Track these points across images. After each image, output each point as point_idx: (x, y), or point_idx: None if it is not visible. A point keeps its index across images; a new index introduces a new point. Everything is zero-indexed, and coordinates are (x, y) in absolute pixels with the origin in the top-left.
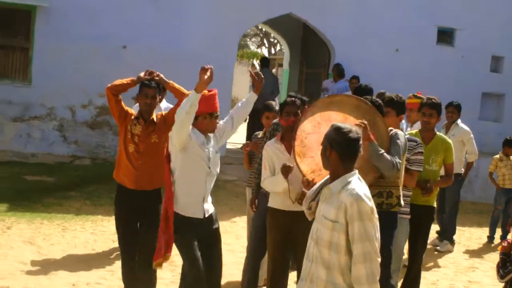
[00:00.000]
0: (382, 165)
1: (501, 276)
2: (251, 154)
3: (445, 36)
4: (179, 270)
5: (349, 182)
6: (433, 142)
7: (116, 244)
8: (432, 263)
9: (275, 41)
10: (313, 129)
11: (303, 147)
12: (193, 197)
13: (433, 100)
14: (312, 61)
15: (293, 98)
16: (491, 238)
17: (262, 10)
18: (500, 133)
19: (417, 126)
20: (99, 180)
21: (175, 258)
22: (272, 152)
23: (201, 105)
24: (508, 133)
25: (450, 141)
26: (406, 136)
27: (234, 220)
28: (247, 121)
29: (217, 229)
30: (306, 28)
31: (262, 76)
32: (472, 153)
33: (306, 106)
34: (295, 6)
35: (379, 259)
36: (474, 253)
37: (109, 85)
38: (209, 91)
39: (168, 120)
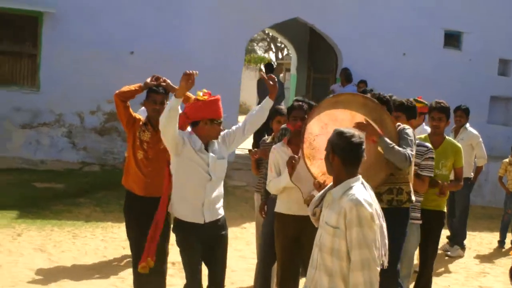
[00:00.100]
0: (394, 158)
1: None
2: (259, 160)
3: (452, 39)
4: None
5: (351, 188)
6: (443, 146)
7: (126, 251)
8: (443, 269)
9: (282, 45)
10: (321, 130)
11: (312, 150)
12: (191, 202)
13: (441, 104)
14: (319, 66)
15: (300, 103)
16: (501, 242)
17: (268, 15)
18: (509, 136)
19: (419, 130)
20: (108, 187)
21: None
22: (279, 155)
23: (201, 110)
24: None
25: (459, 145)
26: (417, 142)
27: (244, 226)
28: None
29: (223, 235)
30: (313, 33)
31: (276, 79)
32: (481, 157)
33: None
34: (301, 10)
35: (379, 268)
36: (485, 258)
37: (117, 91)
38: (212, 96)
39: None
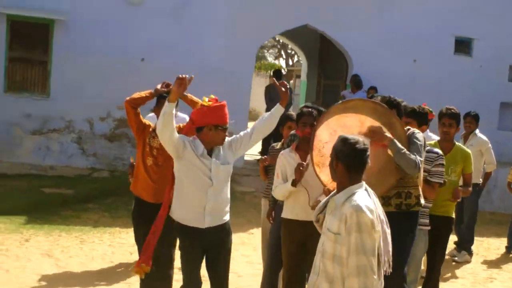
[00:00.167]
0: (404, 163)
1: None
2: (268, 166)
3: (463, 46)
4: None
5: (353, 194)
6: (452, 152)
7: (134, 257)
8: (450, 274)
9: (293, 52)
10: (330, 137)
11: (321, 157)
12: (192, 206)
13: (452, 110)
14: (330, 72)
15: (309, 109)
16: (509, 248)
17: (279, 22)
18: None
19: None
20: (117, 192)
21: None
22: (286, 161)
23: (206, 116)
24: None
25: (469, 151)
26: (428, 148)
27: (252, 232)
28: None
29: (225, 241)
30: (323, 40)
31: (288, 86)
32: (490, 163)
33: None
34: (312, 17)
35: (376, 276)
36: (492, 264)
37: (127, 98)
38: (217, 102)
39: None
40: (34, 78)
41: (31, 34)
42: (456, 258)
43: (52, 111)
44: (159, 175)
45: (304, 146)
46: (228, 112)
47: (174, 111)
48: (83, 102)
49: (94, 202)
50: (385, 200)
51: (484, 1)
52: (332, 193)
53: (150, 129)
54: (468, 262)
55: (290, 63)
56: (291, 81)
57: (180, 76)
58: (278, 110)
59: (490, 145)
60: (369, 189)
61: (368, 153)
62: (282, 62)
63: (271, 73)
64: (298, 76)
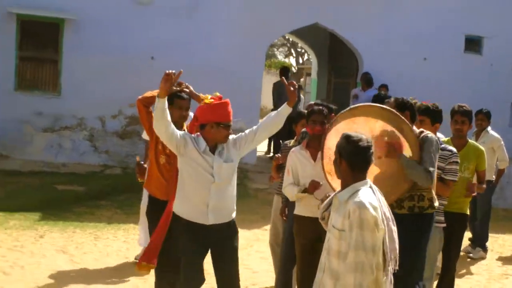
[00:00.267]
0: (415, 178)
1: None
2: (280, 164)
3: (473, 44)
4: (210, 279)
5: (357, 191)
6: (465, 150)
7: None
8: (464, 270)
9: (303, 50)
10: None
11: (332, 165)
12: (194, 202)
13: (464, 107)
14: (340, 70)
15: (320, 107)
16: None
17: (289, 20)
18: None
19: None
20: (130, 189)
21: (206, 266)
22: (296, 158)
23: (208, 113)
24: None
25: (482, 148)
26: (442, 146)
27: (266, 228)
28: None
29: (231, 239)
30: (333, 38)
31: (296, 85)
32: (503, 160)
33: (333, 114)
34: (321, 16)
35: (374, 275)
36: (507, 260)
37: (139, 97)
38: (219, 99)
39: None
40: (45, 77)
41: (42, 33)
42: (471, 255)
43: (63, 109)
44: (172, 173)
45: (315, 144)
46: (239, 110)
47: (166, 107)
48: (94, 100)
49: (107, 199)
50: (398, 203)
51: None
52: (337, 190)
53: None
54: (483, 258)
55: (300, 61)
56: (302, 79)
57: (167, 71)
58: (285, 109)
59: (502, 142)
60: (374, 186)
61: (372, 150)
62: (292, 61)
63: (279, 70)
64: (308, 74)
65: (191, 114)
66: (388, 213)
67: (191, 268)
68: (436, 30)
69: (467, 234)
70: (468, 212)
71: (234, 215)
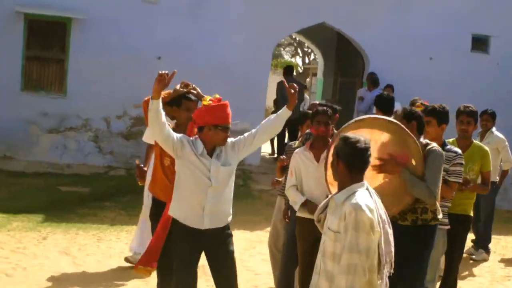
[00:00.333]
0: (418, 194)
1: None
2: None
3: (480, 43)
4: (211, 281)
5: (354, 193)
6: (470, 150)
7: None
8: (467, 272)
9: (309, 50)
10: None
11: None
12: (190, 206)
13: (470, 108)
14: (346, 70)
15: (324, 107)
16: None
17: (295, 20)
18: None
19: None
20: (134, 191)
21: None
22: (300, 160)
23: (205, 116)
24: None
25: (487, 148)
26: (447, 147)
27: (268, 230)
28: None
29: (226, 243)
30: (340, 37)
31: (297, 88)
32: (507, 161)
33: (337, 115)
34: (328, 15)
35: (366, 278)
36: (510, 262)
37: (146, 98)
38: (218, 101)
39: None
40: (51, 77)
41: (49, 32)
42: (473, 257)
43: (68, 109)
44: None
45: (319, 145)
46: (244, 111)
47: (160, 108)
48: (99, 101)
49: (111, 200)
50: (401, 215)
51: None
52: (334, 192)
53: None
54: (485, 260)
55: (307, 61)
56: (308, 79)
57: (160, 72)
58: (285, 112)
59: (507, 143)
60: (371, 189)
61: (369, 152)
62: (298, 60)
63: (283, 69)
64: (315, 74)
65: None
66: (384, 216)
67: (185, 272)
68: (443, 29)
69: (470, 236)
70: (471, 214)
71: (230, 219)
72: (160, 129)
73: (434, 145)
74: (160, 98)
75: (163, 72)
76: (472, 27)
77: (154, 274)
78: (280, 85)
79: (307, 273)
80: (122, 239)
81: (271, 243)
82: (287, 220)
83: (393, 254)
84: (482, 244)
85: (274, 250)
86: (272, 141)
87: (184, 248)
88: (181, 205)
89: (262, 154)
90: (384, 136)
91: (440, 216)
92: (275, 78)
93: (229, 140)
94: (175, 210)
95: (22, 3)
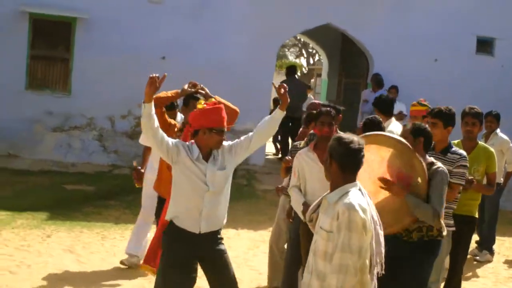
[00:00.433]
0: (421, 216)
1: None
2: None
3: (485, 45)
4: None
5: (347, 193)
6: (475, 152)
7: None
8: (471, 273)
9: (314, 51)
10: None
11: None
12: (187, 210)
13: (475, 109)
14: (351, 71)
15: (328, 108)
16: None
17: (300, 21)
18: None
19: None
20: (138, 190)
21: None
22: (303, 161)
23: (199, 119)
24: None
25: (492, 150)
26: (453, 149)
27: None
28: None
29: (220, 244)
30: (344, 38)
31: (287, 88)
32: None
33: (340, 115)
34: (333, 16)
35: (357, 278)
36: None
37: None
38: (213, 104)
39: None
40: (56, 76)
41: (53, 32)
42: (477, 258)
43: (73, 108)
44: None
45: (322, 145)
46: (249, 111)
47: (153, 112)
48: (104, 100)
49: (115, 199)
50: (406, 233)
51: (506, 1)
52: (326, 192)
53: (176, 129)
54: (489, 261)
55: (311, 62)
56: (312, 80)
57: (151, 75)
58: (278, 114)
59: (511, 144)
60: (363, 189)
61: (363, 153)
62: (303, 61)
63: (285, 69)
64: (319, 75)
65: None
66: (376, 217)
67: (176, 274)
68: (448, 31)
69: (474, 237)
70: (476, 215)
71: (225, 221)
72: (153, 134)
73: (439, 165)
74: (152, 102)
75: (154, 75)
76: (477, 29)
77: None
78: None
79: None
80: (126, 238)
81: (272, 242)
82: (290, 220)
83: (383, 255)
84: (486, 245)
85: (275, 249)
86: (275, 141)
87: (178, 252)
88: (178, 209)
89: (266, 154)
90: (391, 154)
91: (445, 233)
92: (280, 79)
93: (226, 143)
94: (172, 215)
95: (27, 3)
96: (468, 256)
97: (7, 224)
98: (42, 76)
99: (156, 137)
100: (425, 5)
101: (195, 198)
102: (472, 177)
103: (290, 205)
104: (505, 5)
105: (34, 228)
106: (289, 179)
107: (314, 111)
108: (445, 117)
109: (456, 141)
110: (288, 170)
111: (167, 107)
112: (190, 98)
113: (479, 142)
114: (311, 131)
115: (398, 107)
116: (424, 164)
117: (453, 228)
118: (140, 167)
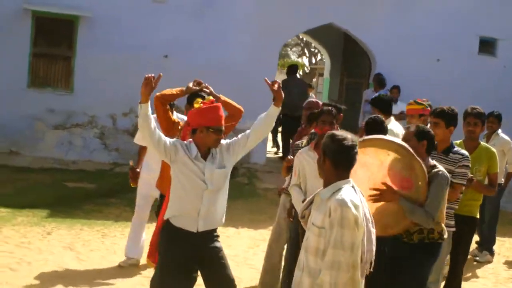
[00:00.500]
0: (417, 220)
1: None
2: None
3: (487, 46)
4: None
5: (340, 189)
6: (477, 152)
7: None
8: (471, 274)
9: (316, 50)
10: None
11: None
12: (185, 209)
13: (477, 109)
14: (353, 70)
15: (329, 107)
16: None
17: (303, 20)
18: None
19: None
20: None
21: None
22: (304, 160)
23: (196, 118)
24: None
25: (494, 150)
26: (455, 149)
27: None
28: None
29: (217, 243)
30: (347, 38)
31: (280, 84)
32: None
33: (341, 114)
34: (336, 16)
35: (349, 274)
36: None
37: (157, 94)
38: (211, 103)
39: None
40: (58, 74)
41: (56, 30)
42: (477, 258)
43: (75, 106)
44: None
45: None
46: (251, 110)
47: (149, 112)
48: (106, 98)
49: (116, 196)
50: (407, 235)
51: (509, 1)
52: (319, 189)
53: (179, 127)
54: (489, 262)
55: (313, 61)
56: (314, 79)
57: (147, 75)
58: (274, 110)
59: None
60: (356, 187)
61: (356, 150)
62: (305, 60)
63: (286, 68)
64: (321, 74)
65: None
66: (368, 215)
67: (176, 276)
68: (450, 31)
69: (475, 237)
70: (477, 216)
71: (222, 221)
72: (150, 134)
73: (440, 168)
74: (149, 102)
75: (149, 75)
76: (480, 29)
77: None
78: (284, 83)
79: None
80: (127, 236)
81: (271, 240)
82: (291, 219)
83: (373, 253)
84: (487, 245)
85: (274, 247)
86: (275, 140)
87: (175, 253)
88: (177, 208)
89: (267, 153)
90: (390, 158)
91: (446, 236)
92: (282, 78)
93: (224, 142)
94: (170, 213)
95: (30, 1)
96: (468, 257)
97: (7, 221)
98: (44, 74)
99: (153, 137)
100: (427, 5)
101: (193, 197)
102: (472, 176)
103: (291, 204)
104: (508, 6)
105: (34, 226)
106: (291, 179)
107: (316, 111)
108: (447, 117)
109: (458, 141)
110: (290, 169)
111: None
112: (194, 97)
113: (481, 142)
114: (312, 130)
115: (400, 107)
116: (424, 167)
117: (453, 229)
118: (135, 167)
